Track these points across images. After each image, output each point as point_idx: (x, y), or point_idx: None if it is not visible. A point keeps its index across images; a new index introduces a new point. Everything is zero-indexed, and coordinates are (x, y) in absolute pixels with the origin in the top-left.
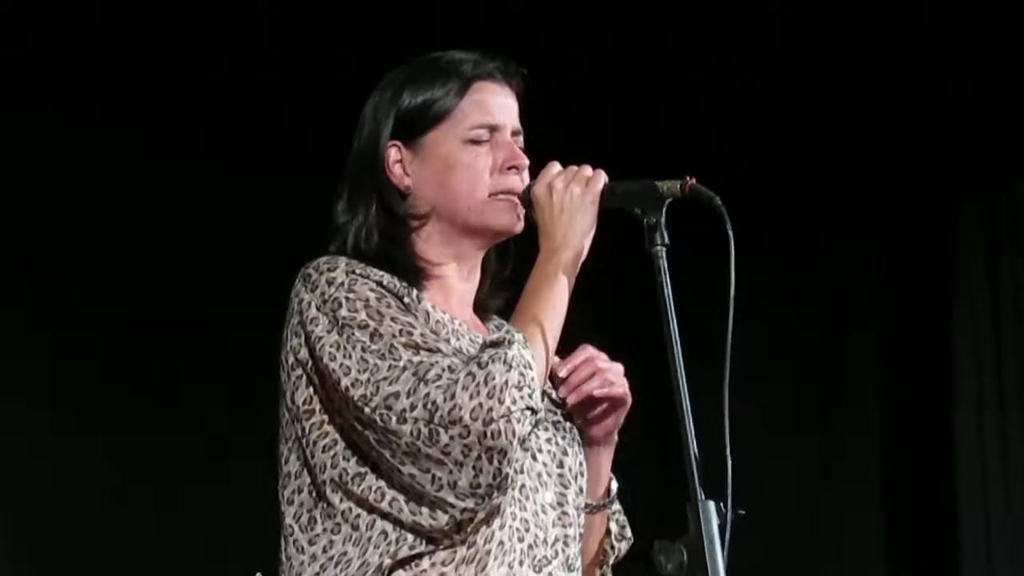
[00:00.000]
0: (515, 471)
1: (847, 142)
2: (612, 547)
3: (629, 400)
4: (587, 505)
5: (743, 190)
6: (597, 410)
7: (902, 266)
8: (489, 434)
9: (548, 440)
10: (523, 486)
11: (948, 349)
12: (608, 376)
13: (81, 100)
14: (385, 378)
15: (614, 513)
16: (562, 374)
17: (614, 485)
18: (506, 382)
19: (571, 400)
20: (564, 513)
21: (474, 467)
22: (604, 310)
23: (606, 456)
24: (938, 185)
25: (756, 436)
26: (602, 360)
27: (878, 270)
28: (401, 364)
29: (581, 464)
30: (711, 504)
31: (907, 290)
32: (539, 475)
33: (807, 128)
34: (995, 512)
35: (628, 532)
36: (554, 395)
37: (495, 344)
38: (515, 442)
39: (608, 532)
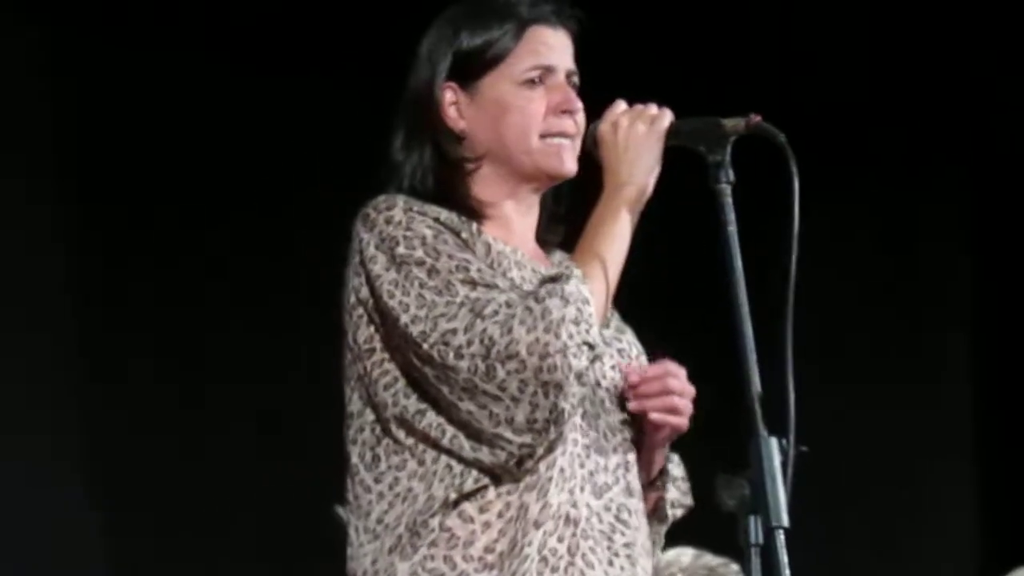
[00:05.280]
0: (575, 402)
1: (929, 74)
2: (664, 517)
3: (685, 429)
4: None
5: (813, 128)
6: (653, 424)
7: (989, 211)
8: (545, 368)
9: (612, 368)
10: (585, 412)
11: None
12: (673, 402)
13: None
14: (443, 314)
15: (674, 481)
16: (631, 380)
17: (670, 467)
18: (563, 317)
19: (632, 408)
20: (625, 439)
21: (530, 402)
22: (665, 248)
23: (659, 453)
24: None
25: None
26: (675, 381)
27: (963, 214)
28: (458, 300)
29: None
30: (773, 440)
31: (996, 229)
32: (603, 401)
33: (887, 59)
34: None
35: (687, 500)
36: (615, 322)
37: (553, 279)
38: (571, 377)
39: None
